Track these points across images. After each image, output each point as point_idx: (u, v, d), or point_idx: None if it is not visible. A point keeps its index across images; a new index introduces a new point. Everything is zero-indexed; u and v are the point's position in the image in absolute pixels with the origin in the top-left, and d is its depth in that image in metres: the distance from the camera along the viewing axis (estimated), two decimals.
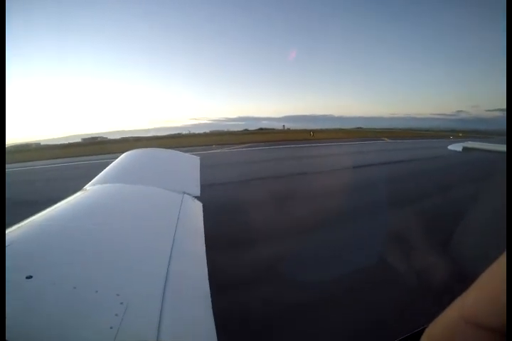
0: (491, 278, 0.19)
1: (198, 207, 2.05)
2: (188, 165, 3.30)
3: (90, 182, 2.23)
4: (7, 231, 1.14)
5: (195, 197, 2.25)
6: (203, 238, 1.51)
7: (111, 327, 0.67)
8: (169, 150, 4.00)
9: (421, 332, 0.25)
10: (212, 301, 0.93)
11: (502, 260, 0.18)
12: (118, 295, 0.82)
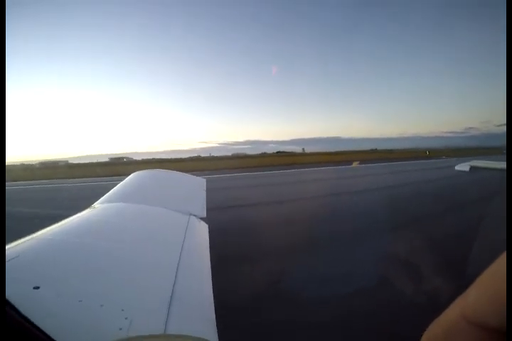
0: (492, 278, 0.19)
1: (203, 229, 2.05)
2: (195, 186, 3.34)
3: (99, 201, 2.26)
4: (16, 243, 1.15)
5: (201, 218, 2.25)
6: (209, 258, 1.49)
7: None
8: (175, 172, 4.07)
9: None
10: (216, 320, 0.90)
11: (502, 259, 0.19)
12: (123, 310, 0.80)
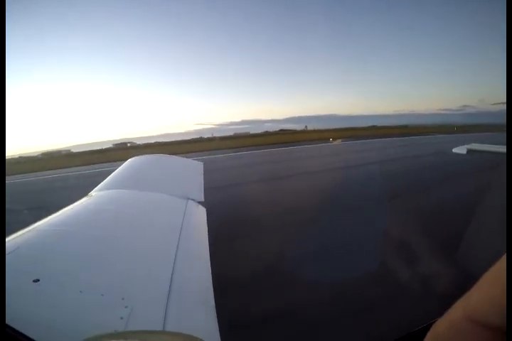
0: (494, 277, 0.19)
1: (201, 213, 2.06)
2: (192, 170, 3.33)
3: (96, 188, 2.26)
4: (14, 235, 1.16)
5: (199, 202, 2.26)
6: (207, 243, 1.51)
7: (116, 331, 0.67)
8: (172, 156, 4.04)
9: (422, 331, 0.24)
10: (216, 306, 0.93)
11: (504, 260, 0.19)
12: (123, 299, 0.82)
